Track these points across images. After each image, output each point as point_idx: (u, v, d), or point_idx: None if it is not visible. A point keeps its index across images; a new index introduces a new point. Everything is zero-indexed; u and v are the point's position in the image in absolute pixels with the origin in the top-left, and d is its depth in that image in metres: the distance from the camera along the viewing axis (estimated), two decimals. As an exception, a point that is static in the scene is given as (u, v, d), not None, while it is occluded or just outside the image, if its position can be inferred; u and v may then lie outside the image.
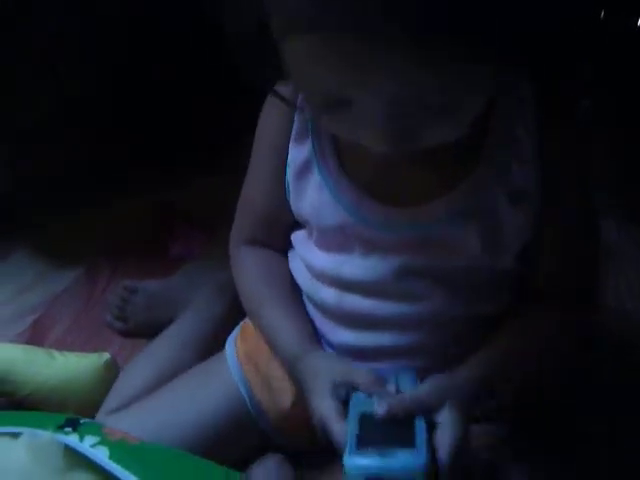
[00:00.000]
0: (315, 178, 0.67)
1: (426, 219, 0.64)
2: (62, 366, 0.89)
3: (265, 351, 0.75)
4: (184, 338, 0.91)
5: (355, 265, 0.68)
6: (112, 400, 0.84)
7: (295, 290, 0.75)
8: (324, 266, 0.70)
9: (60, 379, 0.88)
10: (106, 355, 0.92)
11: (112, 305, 1.03)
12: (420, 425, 0.57)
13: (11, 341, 0.99)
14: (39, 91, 1.17)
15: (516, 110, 0.63)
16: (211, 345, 0.86)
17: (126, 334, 1.01)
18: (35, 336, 1.02)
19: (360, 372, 0.62)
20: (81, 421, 0.72)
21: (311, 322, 0.73)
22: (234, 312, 0.85)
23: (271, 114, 0.71)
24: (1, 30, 1.07)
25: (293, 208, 0.71)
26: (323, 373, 0.64)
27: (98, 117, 1.27)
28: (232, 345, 0.81)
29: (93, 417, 0.83)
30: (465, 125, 0.56)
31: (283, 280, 0.75)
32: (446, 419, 0.58)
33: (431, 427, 0.58)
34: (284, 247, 0.76)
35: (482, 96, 0.55)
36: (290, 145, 0.69)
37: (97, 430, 0.69)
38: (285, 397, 0.76)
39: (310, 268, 0.72)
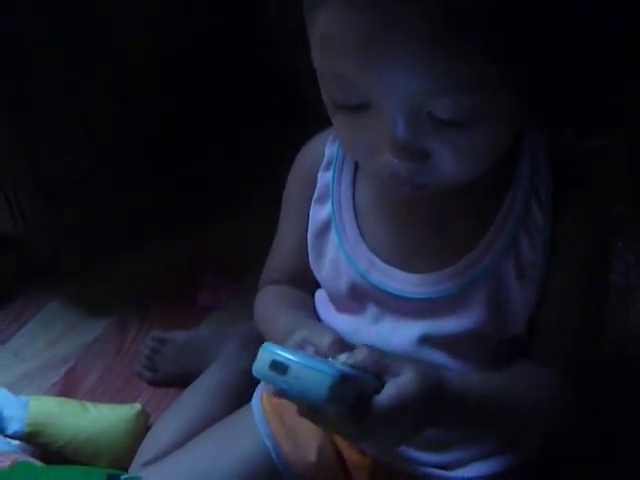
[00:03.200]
0: (333, 238, 0.70)
1: (433, 287, 0.66)
2: (95, 418, 0.93)
3: (290, 404, 0.77)
4: (212, 391, 0.93)
5: (369, 333, 0.69)
6: (145, 453, 0.87)
7: (311, 310, 0.76)
8: (342, 330, 0.70)
9: (94, 430, 0.92)
10: (137, 406, 0.96)
11: (141, 355, 1.06)
12: (364, 375, 0.54)
13: (47, 391, 1.04)
14: (71, 139, 1.20)
15: (531, 182, 0.64)
16: (239, 397, 0.89)
17: (155, 384, 1.04)
18: (69, 386, 1.05)
19: (325, 338, 0.59)
20: (122, 477, 0.76)
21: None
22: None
23: (296, 177, 0.75)
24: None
25: (312, 267, 0.73)
26: (299, 330, 0.62)
27: (129, 166, 1.30)
28: (258, 399, 0.83)
29: (126, 466, 0.87)
30: (477, 161, 0.57)
31: (299, 300, 0.77)
32: (403, 377, 0.55)
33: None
34: (311, 292, 0.79)
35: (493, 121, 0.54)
36: (311, 206, 0.72)
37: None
38: (311, 450, 0.78)
39: None
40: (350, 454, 0.77)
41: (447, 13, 0.47)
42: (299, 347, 0.59)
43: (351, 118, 0.56)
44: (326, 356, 0.57)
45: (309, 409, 0.56)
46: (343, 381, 0.51)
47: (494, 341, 0.67)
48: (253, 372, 0.53)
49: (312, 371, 0.50)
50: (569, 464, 0.79)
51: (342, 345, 0.58)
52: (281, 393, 0.53)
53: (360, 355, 0.56)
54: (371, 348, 0.57)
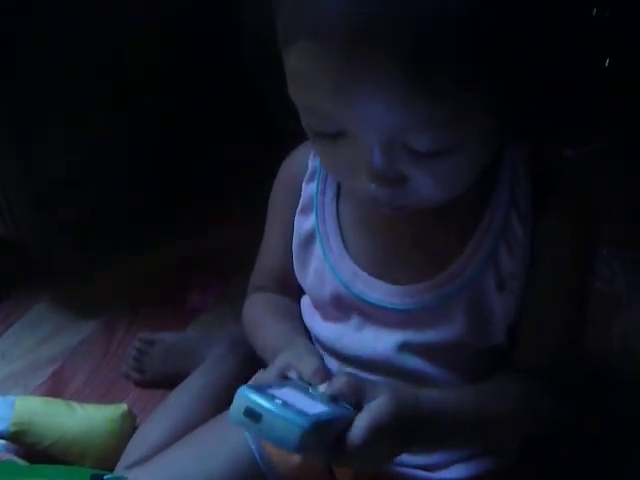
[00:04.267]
0: (317, 250, 0.70)
1: (413, 299, 0.66)
2: (81, 417, 0.92)
3: None
4: (198, 394, 0.93)
5: (352, 339, 0.70)
6: (131, 454, 0.86)
7: (297, 320, 0.76)
8: (326, 336, 0.72)
9: (80, 430, 0.91)
10: (123, 406, 0.95)
11: (129, 356, 1.06)
12: (342, 411, 0.54)
13: (33, 392, 1.03)
14: (71, 139, 1.19)
15: (510, 193, 0.64)
16: (224, 399, 0.86)
17: (143, 385, 1.04)
18: (55, 387, 1.04)
19: (308, 365, 0.59)
20: (105, 477, 0.75)
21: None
22: (246, 368, 0.89)
23: (281, 185, 0.75)
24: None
25: (297, 276, 0.74)
26: (284, 352, 0.62)
27: (129, 166, 1.29)
28: (243, 401, 0.82)
29: (112, 466, 0.86)
30: (456, 184, 0.57)
31: (285, 310, 0.77)
32: (378, 401, 0.55)
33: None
34: (296, 299, 0.79)
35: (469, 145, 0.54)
36: (296, 217, 0.72)
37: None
38: (295, 451, 0.77)
39: (314, 337, 0.74)
40: (334, 456, 0.75)
41: (415, 50, 0.47)
42: (282, 371, 0.59)
43: (329, 145, 0.56)
44: (308, 384, 0.58)
45: None
46: (315, 429, 0.51)
47: (474, 350, 0.67)
48: (229, 419, 0.53)
49: (284, 421, 0.50)
50: (550, 466, 0.77)
51: (324, 373, 0.58)
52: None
53: (338, 383, 0.56)
54: (348, 375, 0.58)
